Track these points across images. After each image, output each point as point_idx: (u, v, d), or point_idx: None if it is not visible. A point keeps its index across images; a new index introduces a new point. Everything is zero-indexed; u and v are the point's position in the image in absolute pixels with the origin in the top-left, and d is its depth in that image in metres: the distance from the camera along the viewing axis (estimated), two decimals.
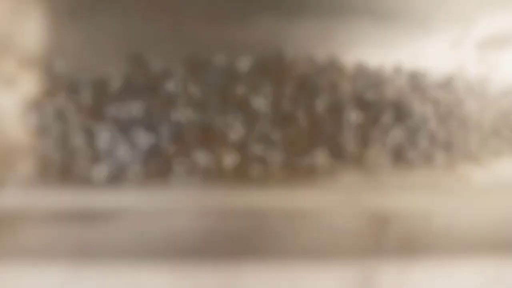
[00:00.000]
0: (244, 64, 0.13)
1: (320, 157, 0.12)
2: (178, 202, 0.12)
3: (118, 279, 0.11)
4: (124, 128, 0.12)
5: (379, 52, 0.13)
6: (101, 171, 0.12)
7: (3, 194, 0.11)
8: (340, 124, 0.13)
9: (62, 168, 0.11)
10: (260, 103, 0.13)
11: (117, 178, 0.12)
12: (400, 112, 0.13)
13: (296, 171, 0.12)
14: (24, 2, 0.11)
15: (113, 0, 0.12)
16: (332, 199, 0.12)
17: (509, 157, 0.13)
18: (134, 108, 0.12)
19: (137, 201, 0.12)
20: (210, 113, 0.13)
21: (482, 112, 0.13)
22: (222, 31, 0.13)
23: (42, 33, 0.12)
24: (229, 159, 0.12)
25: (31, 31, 0.12)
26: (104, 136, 0.12)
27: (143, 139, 0.12)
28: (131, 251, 0.11)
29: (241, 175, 0.12)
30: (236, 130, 0.12)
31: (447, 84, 0.13)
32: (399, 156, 0.12)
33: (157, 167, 0.12)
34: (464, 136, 0.13)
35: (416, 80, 0.13)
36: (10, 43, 0.11)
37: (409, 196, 0.12)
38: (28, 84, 0.12)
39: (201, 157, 0.12)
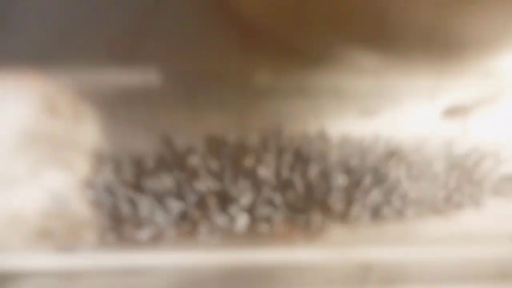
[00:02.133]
0: (251, 140, 0.16)
1: (314, 216, 0.16)
2: (203, 257, 0.15)
3: None
4: (159, 197, 0.16)
5: (360, 124, 0.16)
6: (143, 234, 0.15)
7: (73, 256, 0.15)
8: (329, 187, 0.16)
9: (114, 233, 0.15)
10: (264, 172, 0.16)
11: (155, 239, 0.15)
12: (378, 176, 0.16)
13: (295, 228, 0.16)
14: (81, 106, 0.15)
15: (141, 99, 0.16)
16: (323, 251, 0.15)
17: (470, 210, 0.16)
18: (166, 181, 0.16)
19: (171, 257, 0.15)
20: (225, 182, 0.16)
21: (449, 171, 0.16)
22: (233, 114, 0.16)
23: (92, 127, 0.16)
24: (242, 220, 0.16)
25: (86, 127, 0.15)
26: (144, 205, 0.15)
27: (174, 206, 0.16)
28: None
29: (251, 233, 0.15)
30: (246, 196, 0.16)
31: (418, 149, 0.16)
32: (377, 213, 0.16)
33: (186, 229, 0.15)
34: (431, 193, 0.16)
35: (391, 147, 0.16)
36: (72, 139, 0.15)
37: (387, 246, 0.15)
38: (83, 167, 0.15)
39: (220, 219, 0.16)
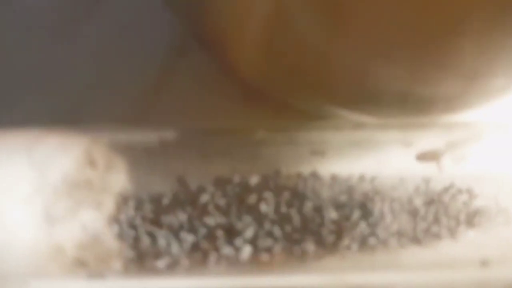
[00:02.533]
0: (253, 180, 0.19)
1: (308, 246, 0.18)
2: (212, 283, 0.18)
3: None
4: (174, 231, 0.18)
5: (347, 164, 0.19)
6: (161, 263, 0.18)
7: (104, 284, 0.17)
8: (322, 221, 0.18)
9: (136, 263, 0.18)
10: (265, 208, 0.19)
11: (171, 267, 0.18)
12: (365, 211, 0.18)
13: (293, 257, 0.18)
14: (112, 158, 0.18)
15: (159, 150, 0.19)
16: (317, 278, 0.17)
17: (447, 240, 0.18)
18: (180, 216, 0.18)
19: (185, 283, 0.18)
20: (231, 217, 0.18)
21: (427, 206, 0.19)
22: (236, 158, 0.19)
23: (119, 174, 0.18)
24: (246, 251, 0.18)
25: (114, 175, 0.18)
26: (161, 238, 0.18)
27: (188, 238, 0.18)
28: None
29: (254, 262, 0.18)
30: (249, 229, 0.18)
31: (399, 187, 0.19)
32: (364, 243, 0.18)
33: (197, 258, 0.18)
34: (412, 226, 0.18)
35: (375, 185, 0.19)
36: (103, 184, 0.18)
37: (373, 272, 0.18)
38: (111, 206, 0.18)
39: (227, 250, 0.18)
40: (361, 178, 0.19)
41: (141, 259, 0.17)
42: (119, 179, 0.18)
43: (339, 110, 0.19)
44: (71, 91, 0.21)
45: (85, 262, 0.17)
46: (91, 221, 0.17)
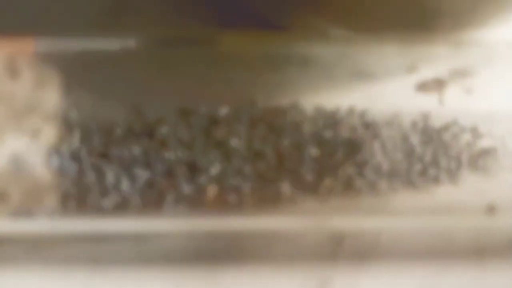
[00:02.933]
0: (222, 111, 0.16)
1: (284, 187, 0.15)
2: (169, 226, 0.15)
3: (123, 285, 0.14)
4: (126, 166, 0.15)
5: (334, 96, 0.16)
6: (108, 202, 0.15)
7: (32, 223, 0.14)
8: (301, 159, 0.16)
9: (78, 200, 0.15)
10: (236, 143, 0.16)
11: (121, 207, 0.15)
12: (352, 148, 0.16)
13: (265, 199, 0.15)
14: (44, 72, 0.15)
15: (117, 65, 0.16)
16: (294, 221, 0.15)
17: (446, 185, 0.16)
18: (134, 150, 0.16)
19: (137, 225, 0.15)
20: (195, 152, 0.16)
21: (425, 144, 0.16)
22: (205, 85, 0.16)
23: (59, 93, 0.15)
24: (211, 190, 0.15)
25: (50, 92, 0.15)
26: (110, 174, 0.15)
27: (141, 175, 0.15)
28: (132, 266, 0.15)
29: (220, 203, 0.15)
30: (216, 166, 0.15)
31: (393, 121, 0.16)
32: (349, 186, 0.15)
33: (153, 198, 0.15)
34: (406, 167, 0.16)
35: (366, 119, 0.16)
36: (35, 104, 0.15)
37: (359, 218, 0.15)
38: (49, 134, 0.15)
39: (188, 189, 0.15)
40: (350, 111, 0.16)
41: (84, 196, 0.15)
42: (52, 98, 0.15)
43: (323, 21, 0.16)
44: (26, 2, 0.18)
45: (8, 197, 0.14)
46: (21, 148, 0.14)
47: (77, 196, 0.15)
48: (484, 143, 0.16)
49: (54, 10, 0.17)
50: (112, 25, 0.17)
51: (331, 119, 0.16)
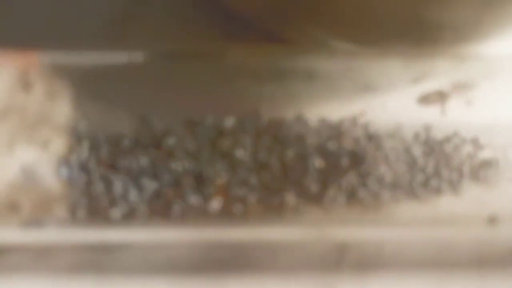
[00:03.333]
0: (228, 122, 0.16)
1: (289, 197, 0.16)
2: (176, 236, 0.15)
3: None
4: (134, 177, 0.16)
5: (337, 108, 0.17)
6: (116, 211, 0.15)
7: (42, 232, 0.15)
8: (306, 170, 0.16)
9: (87, 210, 0.15)
10: (241, 154, 0.16)
11: (129, 216, 0.15)
12: (355, 159, 0.16)
13: (270, 209, 0.16)
14: (55, 85, 0.15)
15: (125, 77, 0.16)
16: (298, 231, 0.15)
17: (448, 195, 0.16)
18: (142, 161, 0.16)
19: (144, 234, 0.15)
20: (201, 163, 0.16)
21: (427, 156, 0.16)
22: (211, 98, 0.16)
23: (69, 105, 0.16)
24: (216, 200, 0.16)
25: (61, 105, 0.16)
26: (118, 184, 0.16)
27: (149, 185, 0.16)
28: (139, 273, 0.15)
29: (226, 213, 0.15)
30: (222, 176, 0.16)
31: (396, 133, 0.17)
32: (352, 196, 0.16)
33: (160, 208, 0.16)
34: (408, 178, 0.16)
35: (369, 131, 0.16)
36: (45, 116, 0.15)
37: (362, 228, 0.15)
38: (59, 145, 0.16)
39: (194, 199, 0.16)
40: (353, 122, 0.16)
41: (92, 206, 0.15)
42: (62, 110, 0.15)
43: (334, 37, 0.17)
44: (28, 15, 0.18)
45: (19, 207, 0.14)
46: (31, 159, 0.15)
47: (86, 206, 0.15)
48: (485, 154, 0.16)
49: (64, 24, 0.17)
50: (120, 39, 0.17)
51: (335, 131, 0.16)
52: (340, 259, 0.15)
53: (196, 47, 0.16)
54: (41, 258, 0.15)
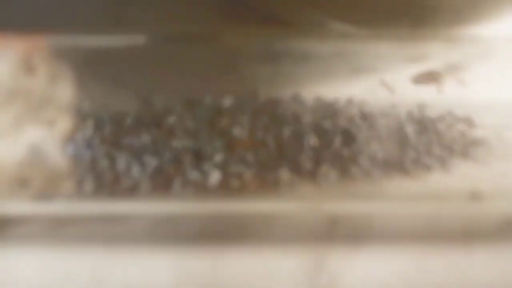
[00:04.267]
0: (226, 102, 0.18)
1: (283, 174, 0.18)
2: (176, 209, 0.17)
3: (134, 261, 0.17)
4: (137, 154, 0.18)
5: (333, 88, 0.18)
6: (120, 186, 0.18)
7: (52, 205, 0.17)
8: (300, 148, 0.18)
9: (92, 185, 0.17)
10: (239, 132, 0.18)
11: (132, 191, 0.18)
12: (348, 137, 0.18)
13: (266, 184, 0.18)
14: (58, 67, 0.18)
15: (126, 59, 0.18)
16: (291, 205, 0.17)
17: (438, 172, 0.18)
18: (144, 138, 0.18)
19: (147, 208, 0.17)
20: (200, 140, 0.18)
21: (419, 134, 0.18)
22: (210, 78, 0.18)
23: (73, 86, 0.18)
24: (214, 176, 0.18)
25: (64, 86, 0.18)
26: (122, 160, 0.18)
27: (151, 162, 0.18)
28: (143, 243, 0.17)
29: (223, 187, 0.18)
30: (219, 154, 0.18)
31: (390, 112, 0.18)
32: (344, 172, 0.18)
33: (161, 183, 0.18)
34: (400, 155, 0.18)
35: (363, 110, 0.18)
36: (50, 96, 0.18)
37: (353, 203, 0.17)
38: (64, 125, 0.18)
39: (193, 175, 0.18)
40: (349, 101, 0.18)
41: (98, 181, 0.17)
42: (66, 92, 0.17)
43: (330, 19, 0.18)
44: (37, 1, 0.20)
45: (29, 182, 0.16)
46: (39, 138, 0.17)
47: (92, 180, 0.17)
48: (477, 133, 0.18)
49: (66, 8, 0.19)
50: (121, 22, 0.19)
51: (330, 110, 0.18)
52: (331, 231, 0.17)
53: (195, 28, 0.18)
54: (51, 229, 0.17)
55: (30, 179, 0.17)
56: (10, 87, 0.16)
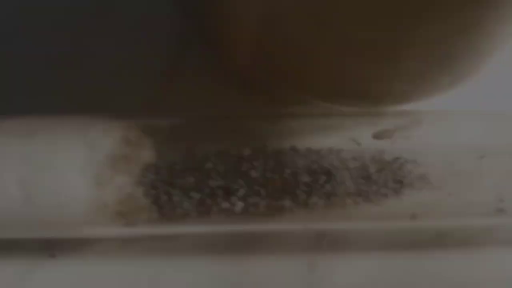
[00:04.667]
0: (246, 152, 0.26)
1: (286, 203, 0.26)
2: (214, 229, 0.26)
3: (183, 268, 0.24)
4: (185, 191, 0.26)
5: (319, 141, 0.26)
6: (175, 214, 0.26)
7: (136, 230, 0.25)
8: (297, 184, 0.26)
9: (157, 214, 0.26)
10: (254, 173, 0.26)
11: (183, 217, 0.26)
12: (330, 176, 0.26)
13: (273, 211, 0.26)
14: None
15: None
16: (291, 225, 0.25)
17: (392, 199, 0.26)
18: (189, 179, 0.26)
19: (193, 229, 0.26)
20: (228, 180, 0.26)
21: (379, 172, 0.26)
22: (233, 135, 0.26)
23: (146, 149, 0.26)
24: (239, 206, 0.26)
25: (144, 150, 0.26)
26: (176, 196, 0.26)
27: (195, 196, 0.26)
28: (191, 256, 0.25)
29: (245, 213, 0.26)
30: (242, 190, 0.26)
31: (359, 157, 0.26)
32: (328, 201, 0.26)
33: (203, 211, 0.26)
34: (366, 188, 0.26)
35: (340, 156, 0.26)
36: (136, 157, 0.26)
37: (335, 222, 0.26)
38: (147, 172, 0.26)
39: (225, 205, 0.26)
40: (330, 150, 0.26)
41: (161, 212, 0.26)
42: (146, 153, 0.25)
43: (315, 100, 0.27)
44: (90, 82, 0.28)
45: (123, 214, 0.22)
46: (125, 184, 0.25)
47: (157, 211, 0.26)
48: (420, 170, 0.26)
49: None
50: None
51: (317, 156, 0.26)
52: (320, 243, 0.26)
53: (223, 111, 0.26)
54: (124, 246, 0.24)
55: (123, 212, 0.25)
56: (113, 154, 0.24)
